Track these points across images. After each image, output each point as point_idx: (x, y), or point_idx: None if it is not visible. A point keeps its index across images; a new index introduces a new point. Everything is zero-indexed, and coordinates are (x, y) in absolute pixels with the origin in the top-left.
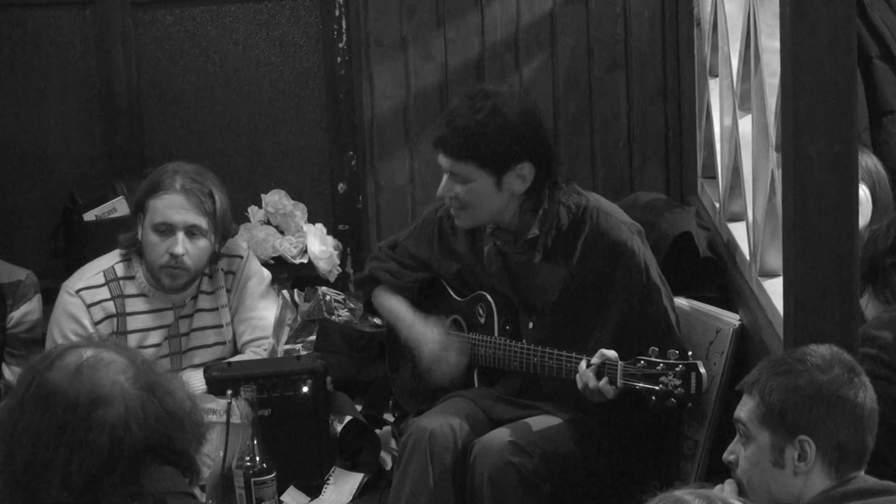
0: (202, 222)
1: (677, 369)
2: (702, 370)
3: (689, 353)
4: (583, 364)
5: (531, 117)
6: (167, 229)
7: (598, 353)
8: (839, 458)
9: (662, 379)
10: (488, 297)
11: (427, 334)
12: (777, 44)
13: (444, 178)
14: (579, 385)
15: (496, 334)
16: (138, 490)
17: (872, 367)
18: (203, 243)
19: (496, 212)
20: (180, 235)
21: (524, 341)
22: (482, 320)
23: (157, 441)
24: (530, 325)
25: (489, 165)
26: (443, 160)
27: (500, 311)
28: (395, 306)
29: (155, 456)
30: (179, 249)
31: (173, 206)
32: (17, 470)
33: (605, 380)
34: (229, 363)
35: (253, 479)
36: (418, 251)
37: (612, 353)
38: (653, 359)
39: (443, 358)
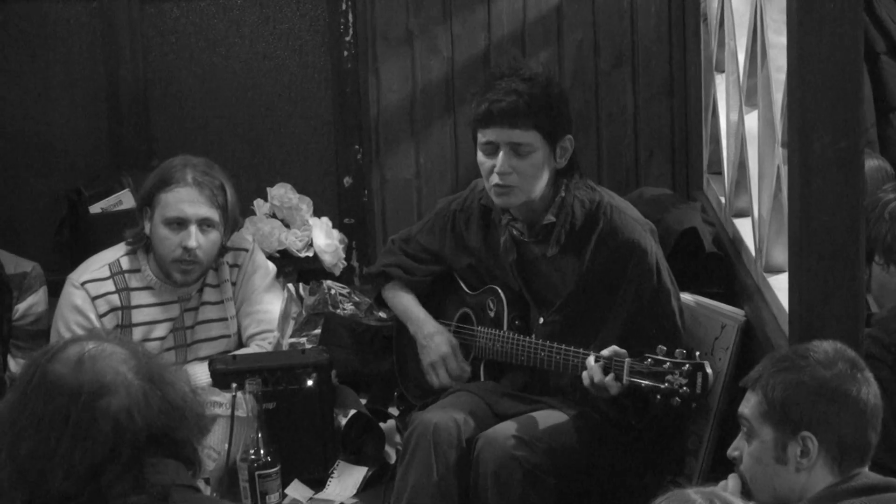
0: (215, 215)
1: (684, 368)
2: (708, 370)
3: (697, 353)
4: (591, 359)
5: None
6: (180, 223)
7: (609, 348)
8: (842, 454)
9: (668, 378)
10: (499, 290)
11: (440, 336)
12: (784, 39)
13: (500, 155)
14: (585, 380)
15: (505, 328)
16: (142, 481)
17: (874, 351)
18: (214, 236)
19: (542, 187)
20: (193, 229)
21: (533, 336)
22: (492, 314)
23: (159, 431)
24: (541, 320)
25: (549, 134)
26: (502, 134)
27: (510, 306)
28: (406, 304)
29: (157, 447)
30: (193, 242)
31: (186, 199)
32: (22, 461)
33: (611, 376)
34: (234, 356)
35: (257, 473)
36: (431, 244)
37: (622, 350)
38: (660, 357)
39: (450, 365)
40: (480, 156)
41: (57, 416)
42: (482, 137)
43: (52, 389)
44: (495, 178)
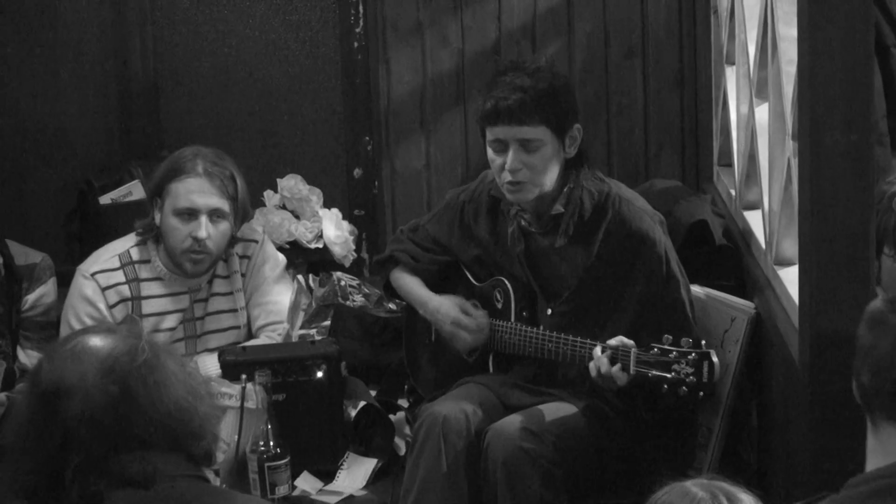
0: (225, 206)
1: (690, 357)
2: (714, 359)
3: (703, 341)
4: (597, 349)
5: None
6: (190, 213)
7: (616, 338)
8: None
9: (675, 367)
10: (506, 282)
11: (444, 304)
12: (794, 32)
13: (510, 152)
14: (592, 371)
15: (512, 320)
16: (120, 477)
17: None
18: (224, 227)
19: (553, 179)
20: (204, 219)
21: (541, 327)
22: (499, 305)
23: (132, 433)
24: (549, 311)
25: (557, 127)
26: (510, 131)
27: (517, 297)
28: (412, 285)
29: (133, 445)
30: (203, 233)
31: (197, 189)
32: (4, 451)
33: (617, 366)
34: (244, 347)
35: (267, 464)
36: (439, 235)
37: (629, 340)
38: (666, 346)
39: (464, 323)
40: (490, 153)
41: (24, 413)
42: (490, 135)
43: (31, 386)
44: (507, 176)
